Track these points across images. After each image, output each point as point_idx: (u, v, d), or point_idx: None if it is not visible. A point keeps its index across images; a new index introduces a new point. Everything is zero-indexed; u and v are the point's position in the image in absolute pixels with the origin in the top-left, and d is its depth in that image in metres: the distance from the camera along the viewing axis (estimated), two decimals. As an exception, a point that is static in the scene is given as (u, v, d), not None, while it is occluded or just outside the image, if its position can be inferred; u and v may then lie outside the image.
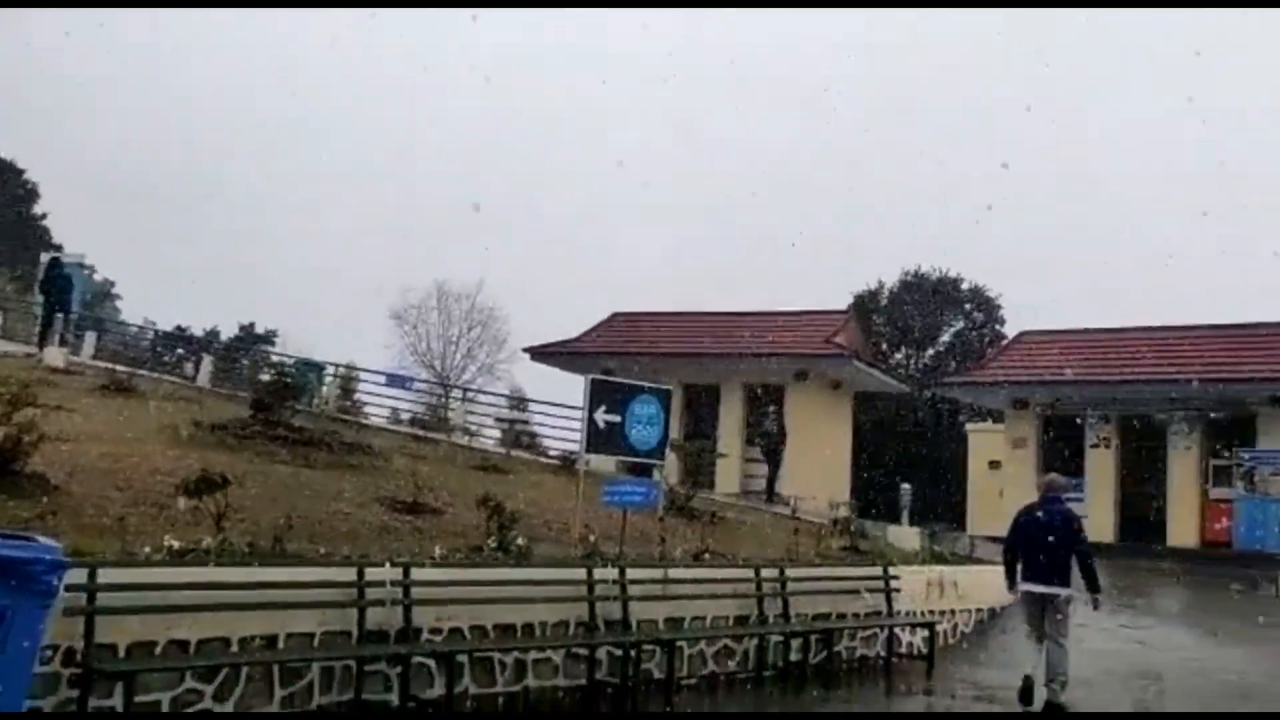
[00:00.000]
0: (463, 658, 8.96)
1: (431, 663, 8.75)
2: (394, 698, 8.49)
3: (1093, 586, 10.61)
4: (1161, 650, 14.35)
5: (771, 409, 25.11)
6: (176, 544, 8.10)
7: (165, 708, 7.31)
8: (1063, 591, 10.50)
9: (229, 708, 7.59)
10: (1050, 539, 10.49)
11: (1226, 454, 23.98)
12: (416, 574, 8.87)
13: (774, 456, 23.03)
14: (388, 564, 8.92)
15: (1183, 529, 23.80)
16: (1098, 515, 24.19)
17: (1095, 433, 25.57)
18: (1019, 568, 10.71)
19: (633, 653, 10.00)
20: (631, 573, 10.58)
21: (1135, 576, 19.19)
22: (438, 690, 8.72)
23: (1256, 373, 23.44)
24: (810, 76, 71.18)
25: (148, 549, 8.03)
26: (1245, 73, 67.41)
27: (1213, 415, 24.35)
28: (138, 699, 7.01)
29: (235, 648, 7.79)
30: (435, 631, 8.95)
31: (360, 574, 8.59)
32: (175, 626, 7.50)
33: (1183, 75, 65.43)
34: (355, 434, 16.71)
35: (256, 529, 9.16)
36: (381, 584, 8.66)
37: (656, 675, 10.33)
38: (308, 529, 9.85)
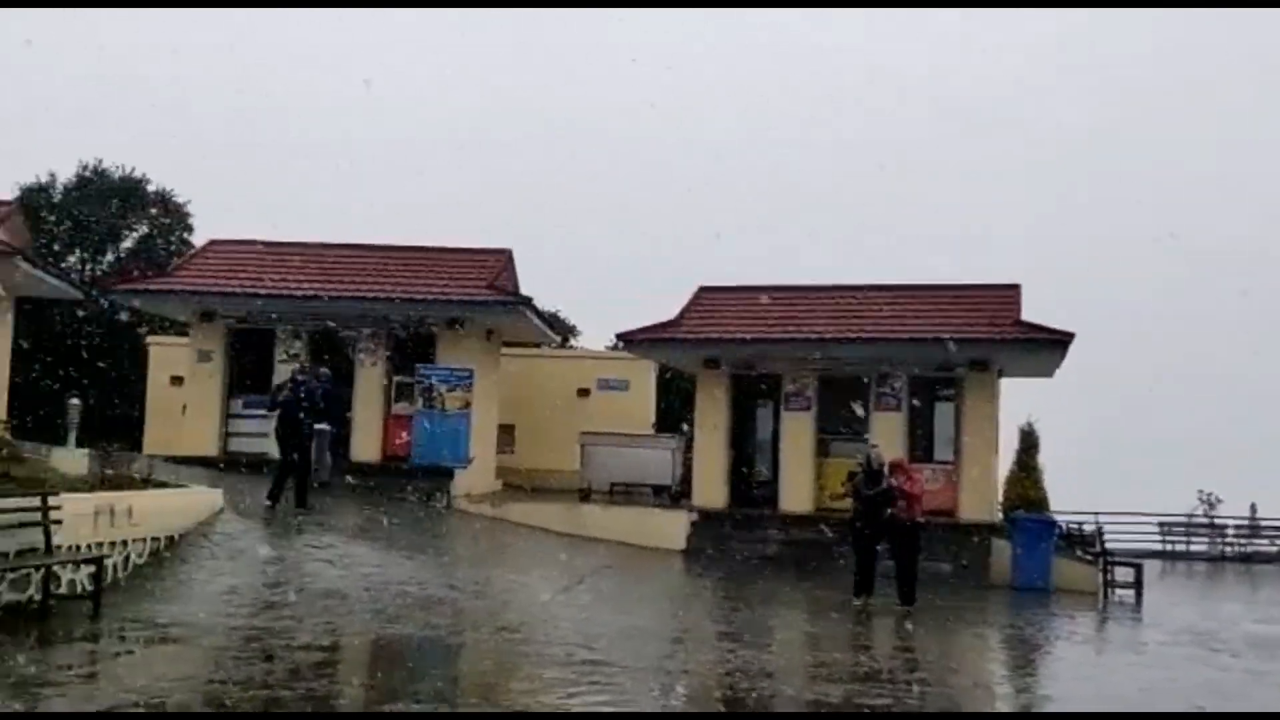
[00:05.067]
0: None
1: None
2: None
3: None
4: (345, 568, 14.15)
5: None
6: None
7: None
8: None
9: None
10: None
11: (408, 372, 24.73)
12: None
13: None
14: None
15: (368, 444, 24.20)
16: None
17: (285, 347, 25.00)
18: None
19: None
20: None
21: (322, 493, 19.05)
22: None
23: (436, 294, 24.51)
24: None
25: None
26: None
27: (398, 334, 25.01)
28: None
29: None
30: None
31: None
32: None
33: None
34: None
35: None
36: None
37: None
38: None
